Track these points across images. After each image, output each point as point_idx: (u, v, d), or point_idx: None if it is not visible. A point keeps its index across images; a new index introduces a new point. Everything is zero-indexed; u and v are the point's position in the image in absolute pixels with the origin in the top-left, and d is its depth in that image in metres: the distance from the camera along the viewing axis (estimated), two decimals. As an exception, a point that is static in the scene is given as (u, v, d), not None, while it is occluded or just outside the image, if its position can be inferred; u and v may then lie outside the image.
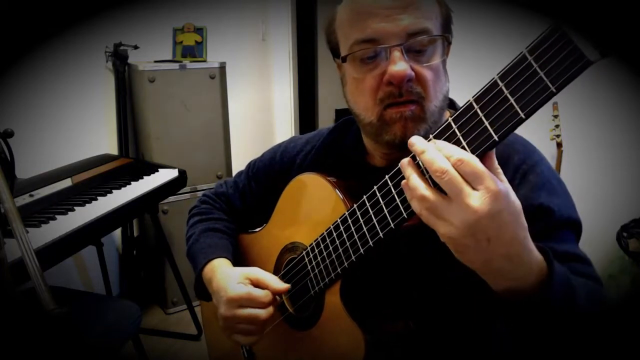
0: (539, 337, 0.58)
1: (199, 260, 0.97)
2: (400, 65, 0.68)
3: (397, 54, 0.69)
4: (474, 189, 0.52)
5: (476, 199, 0.51)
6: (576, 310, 0.59)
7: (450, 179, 0.52)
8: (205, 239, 1.00)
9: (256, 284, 0.84)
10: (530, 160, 0.75)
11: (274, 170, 1.00)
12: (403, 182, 0.59)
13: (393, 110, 0.72)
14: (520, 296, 0.57)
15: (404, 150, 0.74)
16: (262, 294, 0.81)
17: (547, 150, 2.34)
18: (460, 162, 0.52)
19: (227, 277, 0.87)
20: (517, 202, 0.54)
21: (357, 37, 0.72)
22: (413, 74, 0.70)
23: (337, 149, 0.92)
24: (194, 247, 1.01)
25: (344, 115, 0.97)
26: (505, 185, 0.53)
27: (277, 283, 0.83)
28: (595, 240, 2.04)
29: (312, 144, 0.97)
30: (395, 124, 0.72)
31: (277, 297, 0.85)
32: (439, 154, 0.54)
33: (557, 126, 2.34)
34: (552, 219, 0.71)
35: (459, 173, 0.52)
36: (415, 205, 0.57)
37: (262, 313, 0.81)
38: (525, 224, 0.55)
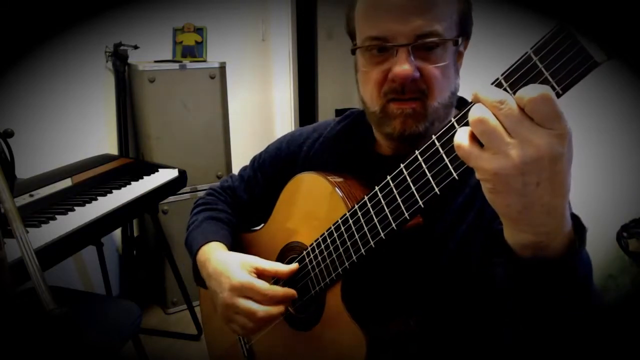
0: (546, 308, 0.54)
1: (196, 242, 0.97)
2: (404, 66, 0.70)
3: (403, 54, 0.70)
4: (541, 126, 0.45)
5: (543, 136, 0.45)
6: (591, 291, 0.55)
7: (510, 110, 0.46)
8: (207, 226, 1.01)
9: (261, 275, 0.84)
10: None
11: (280, 160, 1.00)
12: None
13: (395, 105, 0.74)
14: (540, 256, 0.52)
15: (402, 142, 0.76)
16: (265, 287, 0.80)
17: (547, 150, 2.33)
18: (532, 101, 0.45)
19: (226, 261, 0.87)
20: (572, 152, 0.48)
21: (369, 34, 0.74)
22: (418, 74, 0.71)
23: (346, 138, 0.92)
24: (193, 232, 1.01)
25: (344, 116, 0.98)
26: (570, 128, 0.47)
27: (282, 266, 0.84)
28: (595, 240, 2.04)
29: (319, 131, 0.97)
30: (395, 118, 0.74)
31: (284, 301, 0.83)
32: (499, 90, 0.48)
33: (557, 126, 2.33)
34: None
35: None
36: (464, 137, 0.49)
37: (260, 310, 0.80)
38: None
